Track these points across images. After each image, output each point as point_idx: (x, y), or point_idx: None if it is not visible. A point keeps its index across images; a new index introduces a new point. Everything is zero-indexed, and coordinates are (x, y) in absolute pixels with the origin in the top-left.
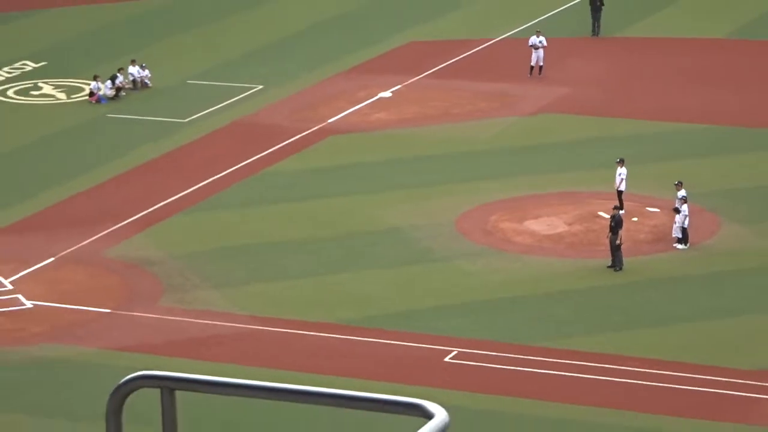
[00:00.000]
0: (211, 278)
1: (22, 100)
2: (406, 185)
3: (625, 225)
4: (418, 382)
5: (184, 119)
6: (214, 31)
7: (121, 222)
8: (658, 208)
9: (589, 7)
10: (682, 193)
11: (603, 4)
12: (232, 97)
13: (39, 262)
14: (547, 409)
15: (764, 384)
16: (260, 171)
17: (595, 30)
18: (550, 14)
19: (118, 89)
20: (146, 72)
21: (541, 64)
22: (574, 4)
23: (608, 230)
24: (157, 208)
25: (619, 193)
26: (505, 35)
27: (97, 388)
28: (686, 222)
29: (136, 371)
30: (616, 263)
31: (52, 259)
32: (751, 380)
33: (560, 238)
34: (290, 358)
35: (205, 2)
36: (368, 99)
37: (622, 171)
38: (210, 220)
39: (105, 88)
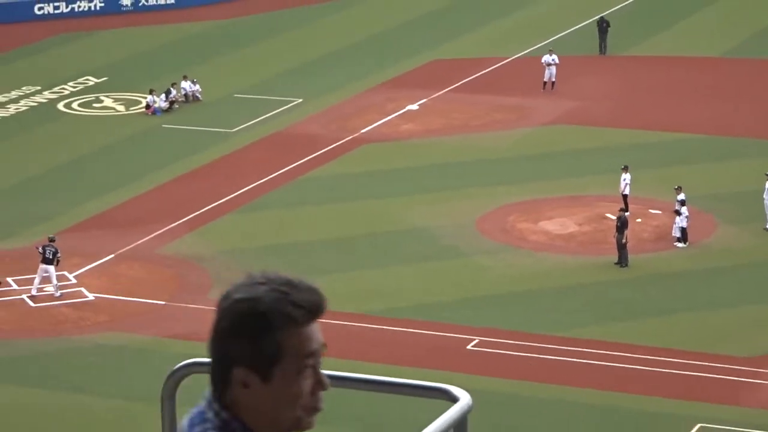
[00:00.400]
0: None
1: (85, 112)
2: (431, 189)
3: (630, 225)
4: (442, 368)
5: (232, 129)
6: (258, 50)
7: (174, 222)
8: (660, 210)
9: (596, 29)
10: (681, 196)
11: (609, 26)
12: (275, 110)
13: (100, 258)
14: (561, 393)
15: (758, 369)
16: (300, 176)
17: (602, 49)
18: (561, 35)
19: (172, 102)
20: (197, 86)
21: (554, 80)
22: (583, 26)
23: (615, 230)
24: (207, 210)
25: (624, 196)
26: (521, 54)
27: (152, 372)
28: (685, 222)
29: (188, 358)
30: (622, 260)
31: (112, 255)
32: (746, 366)
33: (571, 237)
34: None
35: (250, 25)
36: (397, 111)
37: (626, 176)
38: (255, 220)
39: (160, 101)
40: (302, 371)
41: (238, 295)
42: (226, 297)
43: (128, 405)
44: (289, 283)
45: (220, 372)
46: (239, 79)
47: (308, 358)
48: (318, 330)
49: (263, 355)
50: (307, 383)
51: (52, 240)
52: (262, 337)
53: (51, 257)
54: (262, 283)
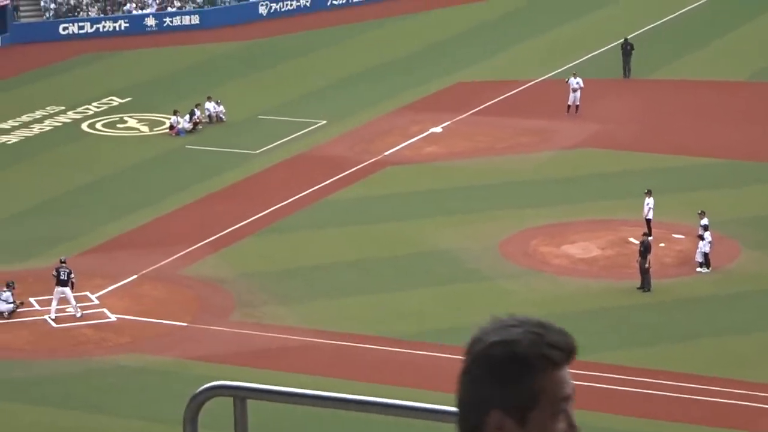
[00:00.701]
0: (278, 295)
1: (109, 132)
2: (455, 212)
3: (652, 250)
4: None
5: (256, 151)
6: (282, 71)
7: (197, 243)
8: (683, 234)
9: (620, 52)
10: (704, 221)
11: (633, 49)
12: (299, 131)
13: (123, 279)
14: (582, 417)
15: None
16: (323, 198)
17: (626, 72)
18: (585, 58)
19: (196, 123)
20: (221, 107)
21: (578, 103)
22: (607, 49)
23: (638, 254)
24: (230, 231)
25: (648, 221)
26: (545, 77)
27: (173, 394)
28: (709, 248)
29: (209, 380)
30: (645, 285)
31: (134, 276)
32: (766, 392)
33: (594, 261)
34: (349, 369)
35: (274, 46)
36: (421, 134)
37: (649, 201)
38: (278, 242)
39: (184, 122)
40: (557, 415)
41: (492, 339)
42: (477, 341)
43: (149, 426)
44: (541, 325)
45: (473, 417)
46: (263, 101)
47: (563, 401)
48: (569, 373)
49: (521, 399)
50: (560, 427)
51: (63, 262)
52: (521, 380)
53: (66, 278)
54: (515, 326)
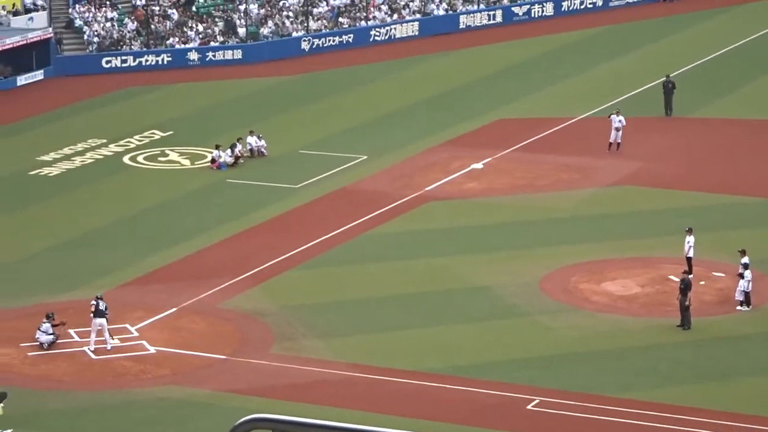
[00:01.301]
0: (316, 329)
1: (150, 165)
2: (495, 247)
3: (693, 288)
4: (502, 427)
5: (296, 185)
6: (323, 107)
7: (237, 277)
8: (723, 273)
9: (662, 90)
10: (745, 259)
11: (675, 87)
12: (340, 166)
13: (162, 312)
14: None
15: None
16: (363, 233)
17: (668, 110)
18: (627, 96)
19: (237, 157)
20: (262, 142)
21: (619, 141)
22: (649, 87)
23: (678, 292)
24: (270, 265)
25: (688, 259)
26: (586, 114)
27: (212, 426)
28: (749, 286)
29: (248, 413)
30: (685, 322)
31: (174, 309)
32: None
33: (634, 299)
34: (384, 403)
35: (315, 81)
36: (462, 170)
37: (690, 239)
38: (318, 276)
39: (225, 156)
40: None
41: None
42: None
43: None
44: None
45: None
46: (304, 135)
47: None
48: None
49: None
50: None
51: (100, 297)
52: None
53: (104, 310)
54: None
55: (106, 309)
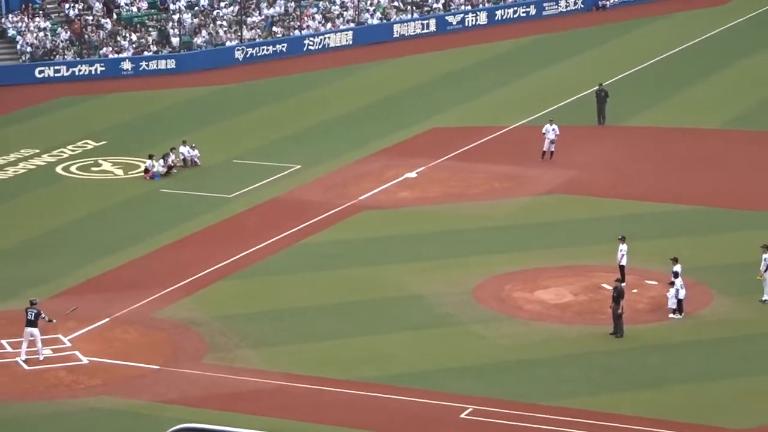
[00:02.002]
0: (250, 338)
1: (83, 175)
2: (428, 257)
3: (625, 296)
4: None
5: (230, 195)
6: (257, 116)
7: (170, 287)
8: (656, 281)
9: (595, 99)
10: (677, 267)
11: (608, 96)
12: (273, 176)
13: (95, 322)
14: None
15: None
16: (297, 242)
17: (601, 119)
18: (560, 104)
19: (170, 167)
20: (196, 152)
21: (552, 149)
22: (582, 96)
23: (611, 300)
24: (204, 275)
25: (621, 267)
26: (520, 123)
27: None
28: (681, 294)
29: (180, 423)
30: (618, 330)
31: (107, 319)
32: None
33: (567, 307)
34: (318, 412)
35: (249, 90)
36: (395, 179)
37: (623, 247)
38: (252, 286)
39: (158, 166)
40: None
41: None
42: None
43: None
44: None
45: None
46: (238, 145)
47: None
48: None
49: None
50: None
51: (33, 303)
52: None
53: (34, 319)
54: None
55: (36, 317)
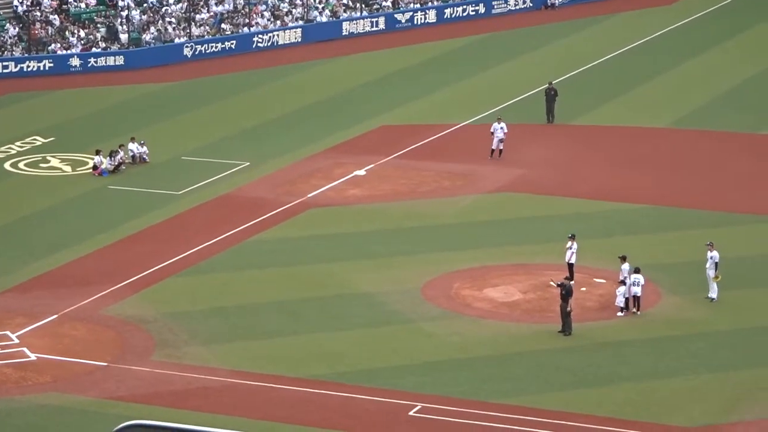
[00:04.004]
0: (199, 335)
1: (31, 171)
2: (377, 254)
3: (574, 294)
4: None
5: (178, 192)
6: (206, 113)
7: (118, 283)
8: (604, 279)
9: (544, 97)
10: (626, 266)
11: (557, 95)
12: (222, 173)
13: (43, 319)
14: None
15: None
16: (246, 240)
17: (550, 118)
18: (509, 103)
19: (119, 164)
20: (144, 148)
21: (501, 147)
22: (531, 95)
23: (559, 298)
24: (152, 272)
25: (570, 265)
26: (469, 121)
27: None
28: (630, 291)
29: (129, 419)
30: (566, 328)
31: (55, 316)
32: None
33: (515, 305)
34: (266, 410)
35: (198, 87)
36: (344, 176)
37: (572, 245)
38: (200, 283)
39: (106, 163)
40: None
41: None
42: None
43: None
44: None
45: None
46: (186, 142)
47: None
48: None
49: None
50: None
51: None
52: None
53: None
54: None
55: None
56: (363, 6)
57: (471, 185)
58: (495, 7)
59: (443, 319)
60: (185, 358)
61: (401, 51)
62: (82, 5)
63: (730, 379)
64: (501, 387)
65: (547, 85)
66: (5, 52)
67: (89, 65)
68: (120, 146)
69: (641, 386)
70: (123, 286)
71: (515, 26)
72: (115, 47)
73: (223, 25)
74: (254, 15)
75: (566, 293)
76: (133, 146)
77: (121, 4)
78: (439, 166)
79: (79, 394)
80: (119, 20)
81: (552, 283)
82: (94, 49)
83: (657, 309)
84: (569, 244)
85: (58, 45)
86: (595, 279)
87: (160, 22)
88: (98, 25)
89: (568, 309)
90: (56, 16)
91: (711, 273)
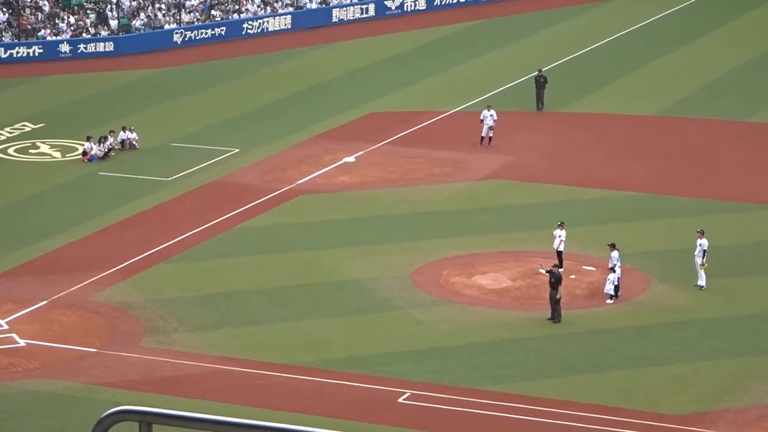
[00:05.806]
0: (188, 322)
1: (21, 157)
2: (367, 241)
3: (563, 281)
4: (371, 420)
5: (168, 178)
6: (195, 99)
7: (108, 270)
8: (594, 266)
9: (534, 85)
10: (615, 253)
11: (547, 82)
12: (212, 159)
13: (33, 305)
14: None
15: (688, 428)
16: (235, 226)
17: (539, 105)
18: (499, 90)
19: (109, 150)
20: (134, 135)
21: (491, 135)
22: (520, 82)
23: (548, 286)
24: (141, 258)
25: (559, 252)
26: (458, 108)
27: (82, 419)
28: (616, 279)
29: (118, 405)
30: (555, 316)
31: (45, 302)
32: (676, 424)
33: (505, 292)
34: (255, 396)
35: (188, 74)
36: (334, 163)
37: (561, 233)
38: (189, 270)
39: (96, 149)
40: None
41: None
42: None
43: None
44: None
45: None
46: (176, 128)
47: None
48: None
49: None
50: None
51: None
52: None
53: None
54: None
55: None
56: None
57: (460, 173)
58: None
59: (432, 306)
60: (174, 344)
61: (391, 38)
62: None
63: (718, 367)
64: (490, 374)
65: (536, 73)
66: None
67: (79, 51)
68: (110, 132)
69: (630, 374)
70: (112, 273)
71: (505, 13)
72: (104, 33)
73: (213, 12)
74: (244, 1)
75: (555, 281)
76: (122, 132)
77: None
78: (429, 153)
79: (68, 380)
80: (109, 6)
81: (541, 270)
82: (83, 35)
83: (646, 296)
84: (557, 231)
85: (48, 31)
86: (584, 266)
87: (150, 8)
88: (88, 11)
89: (558, 296)
90: (46, 2)
91: (698, 260)
